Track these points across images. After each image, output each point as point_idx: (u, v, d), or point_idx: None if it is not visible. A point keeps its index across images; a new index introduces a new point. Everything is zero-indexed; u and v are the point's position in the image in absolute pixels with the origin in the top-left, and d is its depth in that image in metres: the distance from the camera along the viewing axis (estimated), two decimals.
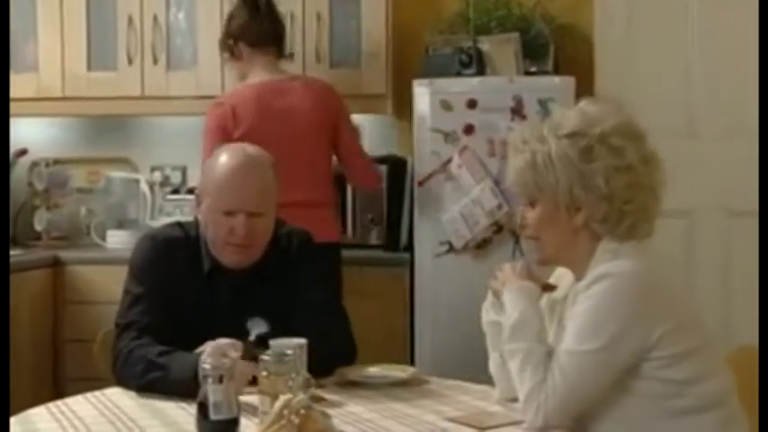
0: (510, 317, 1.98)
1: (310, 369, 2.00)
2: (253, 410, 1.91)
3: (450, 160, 3.65)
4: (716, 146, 3.93)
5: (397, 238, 3.95)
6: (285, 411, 1.64)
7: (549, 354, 1.92)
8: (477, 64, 3.73)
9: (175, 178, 4.41)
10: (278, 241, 2.47)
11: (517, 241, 3.56)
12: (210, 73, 3.96)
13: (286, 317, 2.34)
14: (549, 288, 2.09)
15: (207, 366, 1.82)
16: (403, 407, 2.08)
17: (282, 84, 3.52)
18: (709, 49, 3.94)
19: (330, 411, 1.91)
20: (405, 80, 3.87)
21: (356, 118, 3.81)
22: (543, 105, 3.58)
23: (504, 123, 3.60)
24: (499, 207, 3.57)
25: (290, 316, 2.36)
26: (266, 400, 1.83)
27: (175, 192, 4.32)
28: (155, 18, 4.08)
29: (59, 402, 2.15)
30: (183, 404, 2.04)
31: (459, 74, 3.73)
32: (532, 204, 2.01)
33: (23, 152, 4.33)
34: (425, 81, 3.70)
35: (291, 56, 3.76)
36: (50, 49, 4.13)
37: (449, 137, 3.66)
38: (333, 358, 2.31)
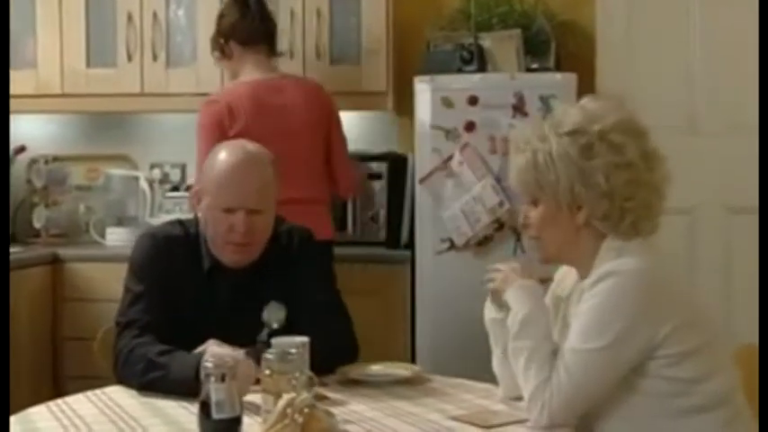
0: (516, 315, 1.96)
1: (312, 367, 1.99)
2: (255, 409, 1.90)
3: (451, 157, 3.63)
4: (717, 143, 3.91)
5: (397, 236, 3.94)
6: (289, 410, 1.63)
7: (555, 352, 1.91)
8: (478, 60, 3.71)
9: (175, 175, 4.39)
10: (278, 239, 2.46)
11: (518, 238, 3.55)
12: (210, 70, 3.93)
13: (286, 315, 2.33)
14: (542, 282, 2.07)
15: (209, 365, 1.80)
16: (406, 405, 2.07)
17: (275, 81, 3.54)
18: (711, 45, 3.92)
19: (333, 410, 1.89)
20: (405, 77, 3.86)
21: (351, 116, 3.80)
22: (545, 102, 3.56)
23: (506, 120, 3.58)
24: (500, 204, 3.55)
25: (291, 313, 2.34)
26: (269, 399, 1.82)
27: (175, 189, 4.30)
28: (154, 15, 4.06)
29: (59, 401, 2.14)
30: (185, 403, 2.03)
31: (460, 70, 3.71)
32: (534, 203, 2.00)
33: (22, 149, 4.31)
34: (426, 78, 3.68)
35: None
36: (49, 46, 4.12)
37: (450, 134, 3.64)
38: (335, 356, 2.30)
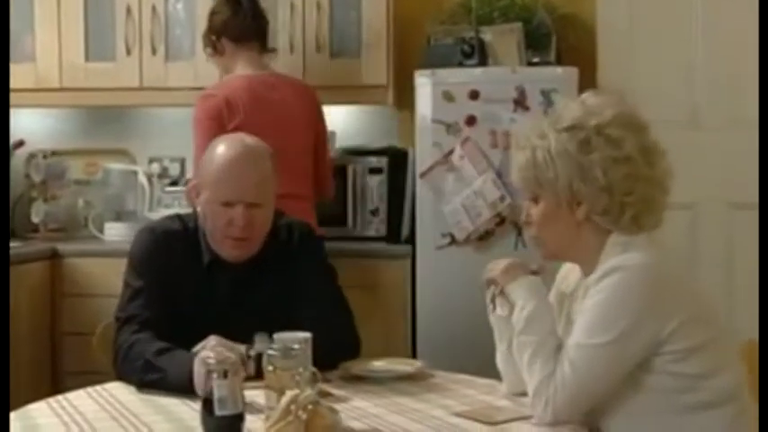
0: (521, 311, 1.95)
1: (314, 363, 1.97)
2: (254, 407, 1.88)
3: (451, 152, 3.61)
4: (718, 137, 3.90)
5: (398, 231, 3.92)
6: (292, 407, 1.62)
7: (560, 347, 1.90)
8: (479, 54, 3.69)
9: (174, 170, 4.37)
10: (277, 233, 2.45)
11: (519, 233, 3.54)
12: (209, 64, 3.88)
13: (286, 309, 2.32)
14: (534, 273, 2.06)
15: (211, 361, 1.79)
16: (409, 401, 2.06)
17: (269, 78, 3.55)
18: (712, 39, 3.92)
19: (336, 406, 1.88)
20: (406, 71, 3.84)
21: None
22: (546, 96, 3.55)
23: (507, 114, 3.57)
24: (501, 199, 3.54)
25: (290, 309, 2.33)
26: (272, 396, 1.81)
27: (174, 183, 4.28)
28: (153, 8, 4.03)
29: (60, 397, 2.12)
30: (187, 399, 2.02)
31: (461, 64, 3.70)
32: (535, 201, 2.00)
33: (20, 143, 4.28)
34: (427, 72, 3.67)
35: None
36: (48, 40, 4.09)
37: (450, 128, 3.62)
38: (336, 352, 2.28)
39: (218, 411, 1.77)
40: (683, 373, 1.83)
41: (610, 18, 3.99)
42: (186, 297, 2.35)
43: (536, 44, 3.81)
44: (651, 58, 3.93)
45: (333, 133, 4.19)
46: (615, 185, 1.90)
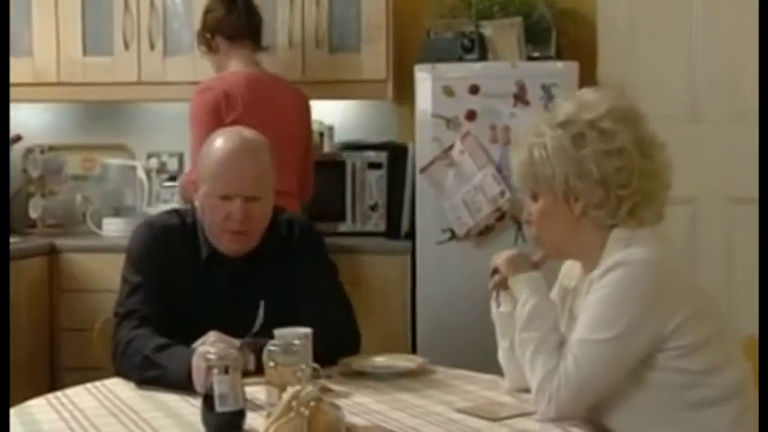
0: (523, 306, 1.95)
1: (314, 358, 1.96)
2: (254, 403, 1.87)
3: (451, 147, 3.60)
4: (718, 131, 3.89)
5: (398, 226, 3.90)
6: (294, 403, 1.60)
7: (562, 343, 1.89)
8: (479, 49, 3.68)
9: (172, 165, 4.35)
10: (277, 228, 2.44)
11: (519, 228, 3.53)
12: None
13: (285, 305, 2.31)
14: (536, 264, 2.05)
15: (212, 357, 1.77)
16: (411, 397, 2.05)
17: (264, 75, 3.58)
18: (713, 33, 3.89)
19: (337, 402, 1.86)
20: (405, 65, 3.83)
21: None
22: (546, 91, 3.53)
23: (507, 109, 3.56)
24: (502, 194, 3.53)
25: (290, 304, 2.32)
26: (274, 392, 1.79)
27: (172, 179, 4.26)
28: (151, 3, 4.01)
29: (59, 393, 2.11)
30: (187, 395, 2.00)
31: (461, 59, 3.68)
32: (535, 198, 1.99)
33: (18, 138, 4.26)
34: (427, 66, 3.65)
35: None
36: (45, 34, 4.07)
37: (450, 123, 3.61)
38: (337, 348, 2.27)
39: (218, 408, 1.75)
40: (687, 369, 1.82)
41: (610, 12, 3.97)
42: (185, 292, 2.34)
43: (536, 39, 3.79)
44: (651, 53, 3.91)
45: (332, 128, 4.20)
46: (609, 178, 1.89)
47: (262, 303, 2.03)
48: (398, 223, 3.91)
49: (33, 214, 4.25)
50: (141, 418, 1.90)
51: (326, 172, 3.95)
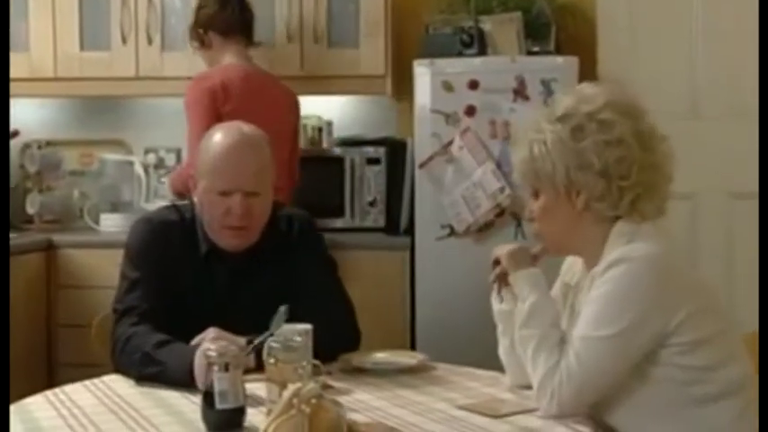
0: (523, 303, 1.94)
1: (314, 355, 1.94)
2: (254, 399, 1.86)
3: (451, 142, 3.59)
4: (719, 127, 3.88)
5: (397, 222, 3.89)
6: (295, 400, 1.58)
7: (564, 340, 1.88)
8: (478, 44, 3.67)
9: (170, 160, 4.34)
10: (276, 223, 2.42)
11: (519, 224, 3.52)
12: None
13: (285, 301, 2.28)
14: (536, 257, 2.04)
15: (212, 354, 1.76)
16: (411, 394, 2.03)
17: (257, 70, 3.62)
18: (713, 28, 3.89)
19: (338, 399, 1.85)
20: (404, 60, 3.82)
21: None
22: (546, 86, 3.52)
23: (507, 105, 3.55)
24: (501, 190, 3.51)
25: (290, 300, 2.30)
26: (274, 389, 1.78)
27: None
28: None
29: (57, 390, 2.09)
30: (187, 392, 1.99)
31: (460, 54, 3.67)
32: (536, 195, 1.98)
33: (15, 134, 4.24)
34: (426, 61, 3.64)
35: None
36: (42, 29, 4.05)
37: (450, 118, 3.60)
38: (336, 344, 2.26)
39: (219, 405, 1.74)
40: (690, 365, 1.81)
41: (609, 7, 3.96)
42: (184, 288, 2.32)
43: (535, 34, 3.78)
44: (651, 48, 3.90)
45: (330, 123, 4.19)
46: (610, 169, 1.88)
47: (283, 308, 1.99)
48: (397, 219, 3.90)
49: (31, 210, 4.23)
50: (141, 415, 1.88)
51: (325, 168, 3.95)
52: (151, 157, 4.31)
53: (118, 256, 2.42)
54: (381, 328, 3.45)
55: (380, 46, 3.88)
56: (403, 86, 3.89)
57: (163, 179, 4.22)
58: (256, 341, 1.98)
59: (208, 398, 1.75)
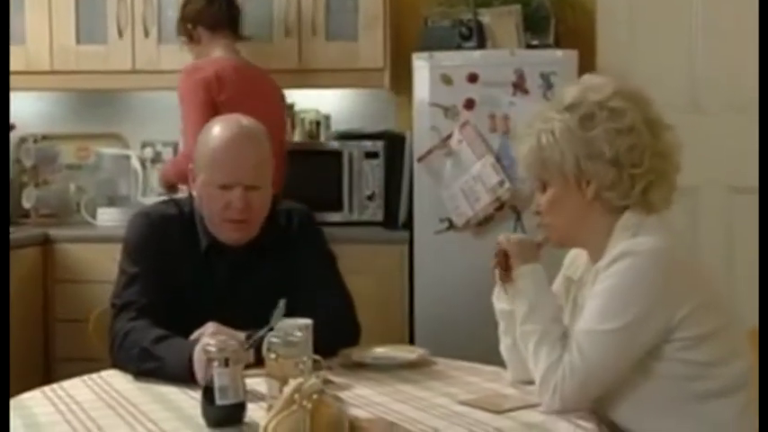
0: (523, 299, 1.92)
1: (314, 350, 1.92)
2: (254, 395, 1.84)
3: (450, 136, 3.57)
4: (719, 121, 3.86)
5: (395, 216, 3.88)
6: (296, 396, 1.56)
7: (565, 335, 1.86)
8: (477, 37, 3.66)
9: (167, 154, 4.31)
10: (276, 217, 2.41)
11: (518, 218, 3.50)
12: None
13: (285, 295, 2.27)
14: (539, 246, 2.01)
15: (212, 349, 1.74)
16: (412, 389, 2.02)
17: (247, 63, 3.64)
18: (713, 21, 3.87)
19: (339, 394, 1.84)
20: (403, 54, 3.81)
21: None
22: (545, 79, 3.51)
23: (506, 98, 3.53)
24: (501, 183, 3.50)
25: (290, 295, 2.28)
26: (275, 384, 1.76)
27: None
28: None
29: (55, 386, 2.07)
30: (186, 387, 1.97)
31: (459, 47, 3.65)
32: (543, 188, 1.96)
33: (11, 127, 4.22)
34: (424, 54, 3.62)
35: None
36: (38, 22, 4.03)
37: (449, 112, 3.58)
38: (336, 339, 2.24)
39: (219, 400, 1.72)
40: (693, 360, 1.80)
41: (609, 0, 3.93)
42: (183, 282, 2.30)
43: (535, 27, 3.77)
44: (651, 41, 3.88)
45: (328, 117, 4.17)
46: (622, 157, 1.86)
47: (282, 302, 1.97)
48: (396, 213, 3.88)
49: (27, 204, 4.21)
50: (139, 410, 1.86)
51: (323, 161, 3.93)
52: (148, 151, 4.29)
53: (115, 250, 2.41)
54: (380, 323, 3.43)
55: (379, 39, 3.86)
56: (401, 80, 3.87)
57: None
58: (255, 336, 1.97)
59: (208, 393, 1.74)
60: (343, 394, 1.88)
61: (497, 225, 3.51)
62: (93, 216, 4.17)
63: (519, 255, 1.97)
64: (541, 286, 1.94)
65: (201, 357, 1.89)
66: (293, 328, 1.87)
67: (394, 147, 3.91)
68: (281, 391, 1.67)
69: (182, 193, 3.50)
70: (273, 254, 2.36)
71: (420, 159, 3.62)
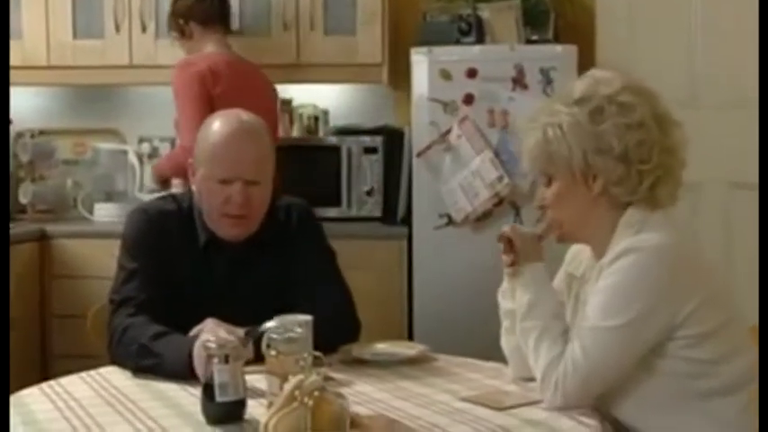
0: (522, 297, 1.91)
1: (313, 346, 1.91)
2: (254, 391, 1.83)
3: (449, 131, 3.56)
4: (718, 116, 3.85)
5: (394, 211, 3.87)
6: (297, 393, 1.55)
7: (566, 331, 1.85)
8: (476, 32, 3.65)
9: (164, 149, 4.28)
10: (275, 213, 2.39)
11: (517, 213, 3.50)
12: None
13: (284, 291, 2.26)
14: (540, 238, 2.00)
15: (212, 346, 1.73)
16: (413, 386, 2.01)
17: (239, 58, 3.64)
18: (712, 17, 3.86)
19: (339, 391, 1.82)
20: (401, 48, 3.79)
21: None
22: (545, 74, 3.50)
23: (505, 93, 3.52)
24: (500, 179, 3.49)
25: (289, 290, 2.28)
26: (275, 381, 1.74)
27: None
28: None
29: (53, 382, 2.06)
30: (185, 384, 1.96)
31: (458, 42, 3.65)
32: (548, 183, 1.94)
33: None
34: (423, 49, 3.61)
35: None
36: (35, 17, 4.01)
37: (448, 107, 3.57)
38: (336, 335, 2.22)
39: (219, 397, 1.71)
40: (696, 358, 1.79)
41: None
42: (182, 278, 2.29)
43: (534, 21, 3.76)
44: (650, 36, 3.87)
45: (326, 112, 4.16)
46: (631, 153, 1.85)
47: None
48: (394, 208, 3.87)
49: (23, 199, 4.19)
50: (138, 407, 1.85)
51: (321, 157, 3.92)
52: (145, 147, 4.27)
53: (112, 246, 2.40)
54: (379, 319, 3.41)
55: (377, 34, 3.85)
56: (400, 75, 3.86)
57: None
58: (254, 331, 1.95)
59: (208, 390, 1.72)
60: (344, 391, 1.85)
61: (496, 220, 3.50)
62: (90, 211, 4.15)
63: (522, 251, 1.95)
64: (542, 283, 1.93)
65: (202, 353, 1.87)
66: (293, 325, 1.86)
67: (393, 142, 3.90)
68: (281, 387, 1.66)
69: (175, 188, 3.49)
70: (273, 249, 2.35)
71: (419, 154, 3.60)
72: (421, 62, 3.60)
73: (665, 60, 3.86)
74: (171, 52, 3.89)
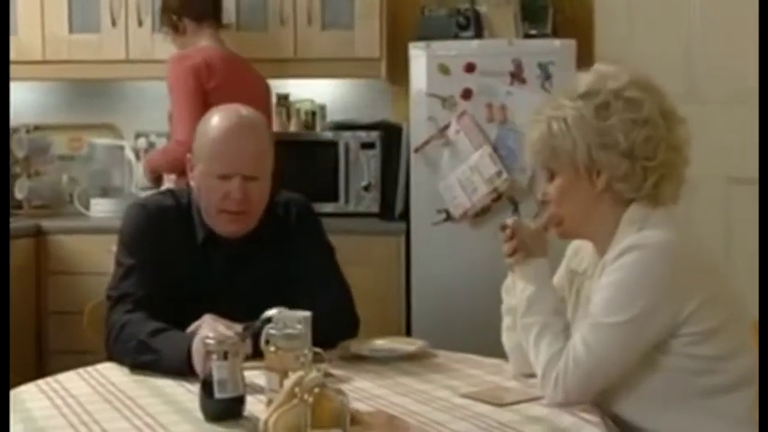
0: (522, 293, 1.90)
1: (312, 342, 1.90)
2: (253, 388, 1.81)
3: (447, 126, 3.55)
4: (717, 111, 3.84)
5: (392, 207, 3.85)
6: (297, 390, 1.54)
7: (567, 327, 1.84)
8: (474, 26, 3.64)
9: (161, 144, 4.25)
10: (274, 209, 2.38)
11: (516, 209, 3.48)
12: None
13: (283, 287, 2.25)
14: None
15: (211, 342, 1.71)
16: (413, 382, 1.99)
17: (232, 53, 3.65)
18: (711, 11, 3.85)
19: (339, 387, 1.81)
20: (399, 43, 3.78)
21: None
22: (543, 69, 3.49)
23: (504, 88, 3.51)
24: (498, 174, 3.48)
25: (288, 286, 2.26)
26: (274, 378, 1.73)
27: None
28: None
29: (50, 379, 2.04)
30: (183, 380, 1.94)
31: (456, 36, 3.64)
32: (551, 177, 1.92)
33: None
34: (421, 44, 3.60)
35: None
36: (30, 10, 4.00)
37: (446, 102, 3.56)
38: (335, 331, 2.21)
39: (218, 394, 1.70)
40: (700, 355, 1.77)
41: None
42: (181, 274, 2.27)
43: (532, 16, 3.75)
44: (649, 30, 3.86)
45: (324, 107, 4.15)
46: (636, 149, 1.83)
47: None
48: (392, 204, 3.86)
49: (19, 195, 4.18)
50: (136, 404, 1.83)
51: (318, 152, 3.91)
52: (142, 142, 4.26)
53: (108, 241, 2.38)
54: (377, 315, 3.40)
55: (375, 28, 3.84)
56: (398, 69, 3.85)
57: None
58: (252, 326, 1.94)
59: (206, 387, 1.71)
60: (343, 387, 1.83)
61: (495, 216, 3.49)
62: (87, 207, 4.14)
63: (528, 246, 1.93)
64: (544, 279, 1.92)
65: (200, 350, 1.86)
66: (293, 321, 1.85)
67: (390, 137, 3.89)
68: (280, 384, 1.64)
69: (169, 183, 3.47)
70: (271, 245, 2.33)
71: (417, 150, 3.59)
72: (419, 57, 3.59)
73: (664, 55, 3.84)
74: (167, 47, 3.87)
